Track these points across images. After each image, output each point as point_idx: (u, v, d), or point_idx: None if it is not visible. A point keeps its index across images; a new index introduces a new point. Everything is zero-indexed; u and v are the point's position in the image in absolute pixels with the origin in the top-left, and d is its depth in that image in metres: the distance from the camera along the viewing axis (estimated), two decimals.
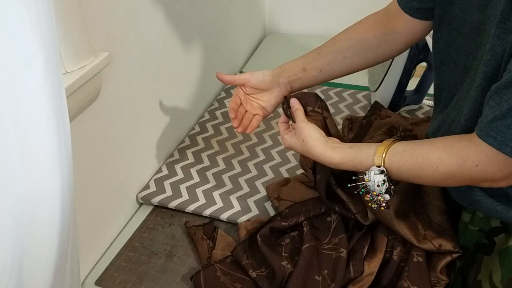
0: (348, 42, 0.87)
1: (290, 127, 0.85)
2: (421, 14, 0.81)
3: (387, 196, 0.70)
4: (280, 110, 0.90)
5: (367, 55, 0.88)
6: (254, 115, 0.91)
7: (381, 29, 0.86)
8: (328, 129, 0.83)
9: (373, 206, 0.72)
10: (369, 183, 0.70)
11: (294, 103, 0.82)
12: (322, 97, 1.34)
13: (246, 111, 0.91)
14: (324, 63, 0.88)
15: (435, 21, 0.78)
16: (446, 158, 0.64)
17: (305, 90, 0.89)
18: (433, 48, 0.80)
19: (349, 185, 0.74)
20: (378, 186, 0.69)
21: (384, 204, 0.71)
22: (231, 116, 0.89)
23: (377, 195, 0.70)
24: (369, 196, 0.72)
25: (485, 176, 0.63)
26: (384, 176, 0.68)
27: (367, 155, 0.71)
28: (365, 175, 0.70)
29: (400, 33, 0.85)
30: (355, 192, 0.74)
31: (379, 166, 0.69)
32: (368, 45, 0.87)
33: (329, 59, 0.87)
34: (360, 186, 0.72)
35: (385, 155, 0.69)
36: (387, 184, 0.69)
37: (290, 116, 0.83)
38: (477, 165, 0.62)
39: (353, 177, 0.73)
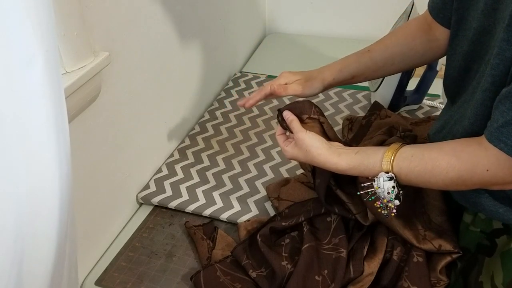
0: (399, 48, 0.87)
1: (289, 137, 0.83)
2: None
3: (397, 202, 0.69)
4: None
5: (412, 62, 0.89)
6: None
7: (425, 35, 0.86)
8: (326, 134, 0.83)
9: (383, 212, 0.72)
10: (379, 190, 0.69)
11: (288, 115, 0.81)
12: (322, 97, 1.35)
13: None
14: (374, 70, 0.89)
15: (452, 27, 0.77)
16: (456, 163, 0.64)
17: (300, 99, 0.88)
18: (449, 55, 0.79)
19: (358, 193, 0.74)
20: (388, 193, 0.68)
21: (394, 211, 0.71)
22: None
23: (387, 202, 0.70)
24: (379, 203, 0.71)
25: (496, 180, 0.63)
26: (394, 182, 0.68)
27: (375, 160, 0.70)
28: (374, 181, 0.69)
29: (441, 40, 0.84)
30: (365, 199, 0.74)
31: (387, 172, 0.68)
32: (415, 52, 0.87)
33: (379, 66, 0.88)
34: (370, 193, 0.71)
35: (393, 160, 0.68)
36: (397, 190, 0.68)
37: (286, 127, 0.83)
38: (487, 170, 0.62)
39: (362, 184, 0.73)
